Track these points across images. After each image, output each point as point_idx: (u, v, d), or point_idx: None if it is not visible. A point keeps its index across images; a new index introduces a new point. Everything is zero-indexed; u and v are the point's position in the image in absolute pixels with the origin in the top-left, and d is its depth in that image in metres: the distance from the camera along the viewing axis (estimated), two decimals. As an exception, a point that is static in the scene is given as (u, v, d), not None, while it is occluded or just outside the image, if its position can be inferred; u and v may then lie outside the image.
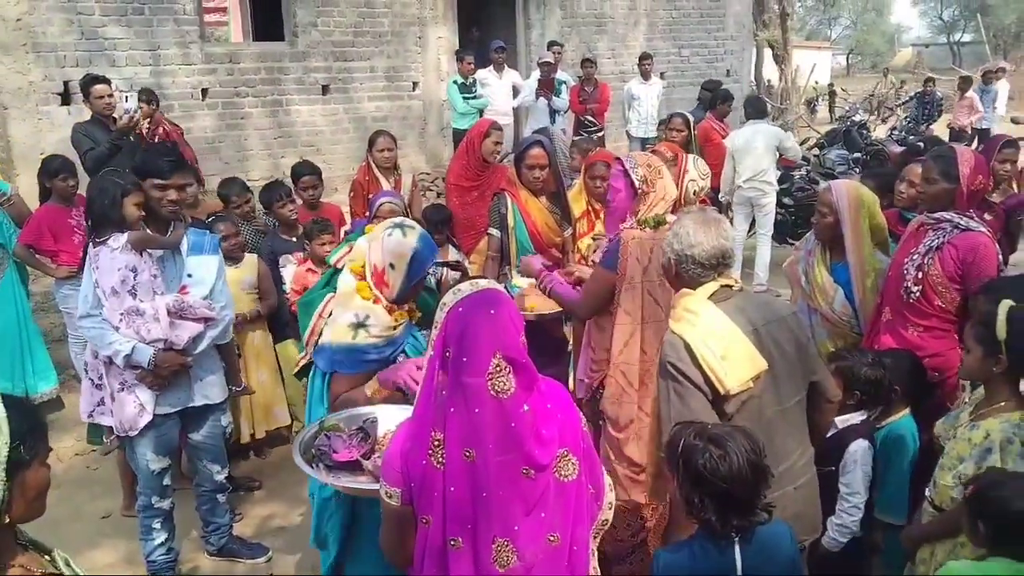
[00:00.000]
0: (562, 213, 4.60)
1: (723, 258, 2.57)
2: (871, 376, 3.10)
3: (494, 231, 4.58)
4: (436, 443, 1.88)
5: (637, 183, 3.29)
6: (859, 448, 3.01)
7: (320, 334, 2.87)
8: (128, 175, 3.39)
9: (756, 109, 7.95)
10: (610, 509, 2.16)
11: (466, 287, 1.97)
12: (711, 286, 2.56)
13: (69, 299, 5.00)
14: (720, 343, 2.43)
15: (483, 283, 2.01)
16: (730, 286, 2.60)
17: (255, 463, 4.95)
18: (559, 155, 5.48)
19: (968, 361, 2.68)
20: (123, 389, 3.37)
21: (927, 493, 2.75)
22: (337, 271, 2.99)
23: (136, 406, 3.37)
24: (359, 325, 2.76)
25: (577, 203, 4.76)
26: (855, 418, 3.10)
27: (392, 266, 2.74)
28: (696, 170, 3.99)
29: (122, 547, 4.08)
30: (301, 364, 3.03)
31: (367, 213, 4.82)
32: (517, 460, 1.87)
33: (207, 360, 3.60)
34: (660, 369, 2.51)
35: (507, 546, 1.89)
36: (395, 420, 2.57)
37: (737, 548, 2.10)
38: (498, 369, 1.84)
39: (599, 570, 2.17)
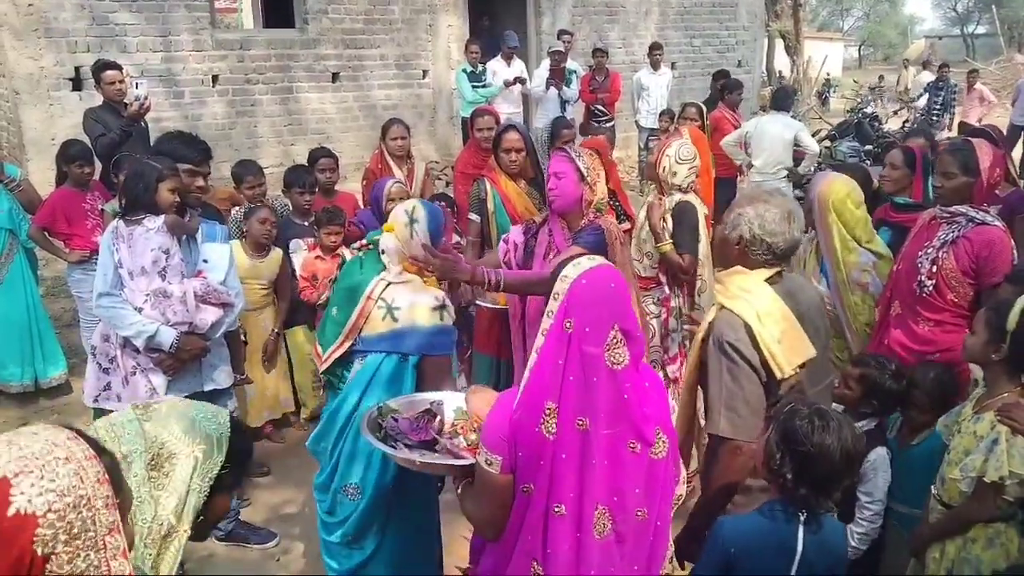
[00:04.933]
0: (541, 197, 4.61)
1: (794, 251, 2.64)
2: (894, 389, 3.08)
3: (473, 216, 4.62)
4: (548, 412, 1.92)
5: (583, 169, 3.33)
6: (879, 456, 2.98)
7: (367, 317, 2.97)
8: (164, 160, 3.42)
9: (777, 100, 7.89)
10: (682, 484, 2.26)
11: (585, 261, 2.02)
12: (767, 271, 2.58)
13: (82, 283, 5.03)
14: (777, 326, 2.47)
15: (598, 259, 2.07)
16: (781, 272, 2.64)
17: (263, 449, 4.96)
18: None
19: (971, 342, 2.70)
20: (136, 372, 3.39)
21: (933, 490, 2.74)
22: (362, 260, 3.14)
23: (148, 390, 3.38)
24: (442, 307, 2.96)
25: None
26: (868, 424, 3.07)
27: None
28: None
29: (131, 531, 4.10)
30: (340, 351, 3.05)
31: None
32: (625, 433, 1.95)
33: (216, 346, 3.62)
34: (715, 346, 2.52)
35: (605, 514, 1.96)
36: (457, 403, 2.68)
37: (801, 529, 2.13)
38: (615, 340, 1.91)
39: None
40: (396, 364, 2.93)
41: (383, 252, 3.06)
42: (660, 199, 4.24)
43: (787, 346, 2.46)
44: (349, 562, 3.02)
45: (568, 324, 1.92)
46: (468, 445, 2.46)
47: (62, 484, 1.18)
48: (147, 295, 3.31)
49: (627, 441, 1.96)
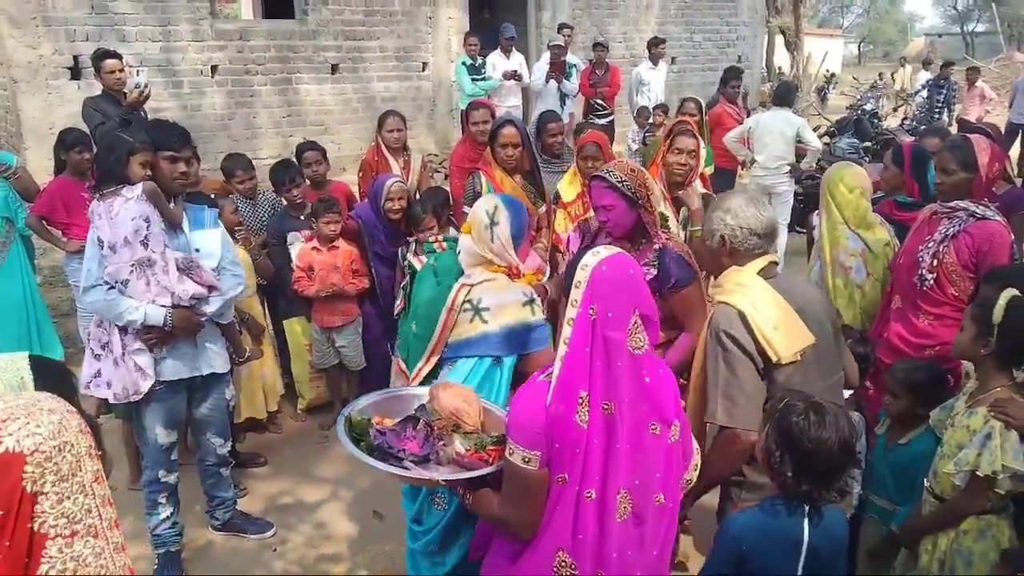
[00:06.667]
0: (536, 191, 4.59)
1: (775, 229, 2.67)
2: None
3: (467, 209, 4.58)
4: (582, 400, 1.96)
5: (631, 193, 3.03)
6: (854, 422, 3.01)
7: (453, 327, 2.85)
8: (138, 134, 3.38)
9: (779, 96, 7.89)
10: (695, 470, 2.28)
11: (603, 250, 2.05)
12: (760, 262, 2.62)
13: (80, 273, 5.00)
14: (772, 314, 2.50)
15: (614, 248, 2.10)
16: (775, 263, 2.68)
17: (260, 440, 4.97)
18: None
19: (960, 338, 2.73)
20: (125, 354, 3.36)
21: (926, 483, 2.76)
22: (435, 268, 3.04)
23: (137, 370, 3.37)
24: (531, 301, 2.86)
25: (572, 186, 4.70)
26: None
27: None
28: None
29: (127, 522, 4.09)
30: (428, 368, 2.92)
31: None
32: (647, 416, 2.00)
33: (211, 331, 3.61)
34: (711, 338, 2.56)
35: (627, 498, 2.00)
36: (423, 401, 2.58)
37: (806, 520, 2.15)
38: (636, 326, 1.97)
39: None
40: (488, 368, 2.83)
41: (459, 252, 2.95)
42: (693, 185, 4.22)
43: (784, 332, 2.49)
44: (432, 572, 2.92)
45: (592, 311, 1.96)
46: (468, 450, 2.38)
47: (47, 430, 1.28)
48: (132, 265, 3.27)
49: (649, 424, 2.00)
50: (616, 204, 3.04)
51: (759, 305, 2.50)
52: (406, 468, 2.34)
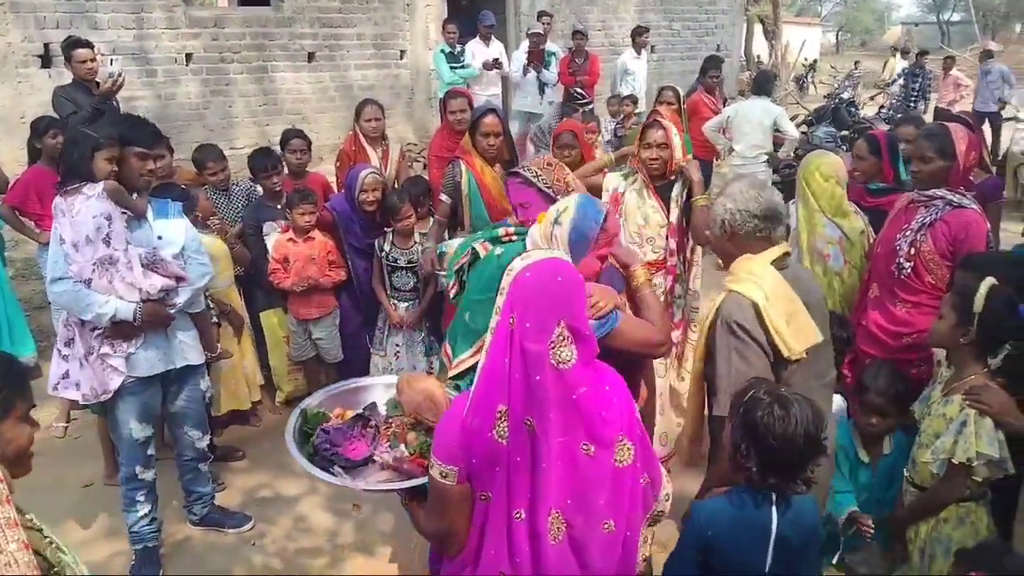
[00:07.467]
0: None
1: (777, 212, 2.61)
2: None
3: (444, 197, 4.58)
4: (500, 415, 1.84)
5: (546, 188, 2.89)
6: (837, 408, 3.05)
7: None
8: (104, 128, 3.33)
9: (758, 84, 7.91)
10: (667, 500, 2.13)
11: (536, 254, 1.95)
12: (774, 252, 2.60)
13: (51, 265, 4.93)
14: (785, 308, 2.48)
15: (552, 252, 1.99)
16: (788, 253, 2.65)
17: (238, 433, 4.92)
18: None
19: (938, 326, 2.74)
20: (92, 353, 3.32)
21: (906, 473, 2.79)
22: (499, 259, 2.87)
23: (107, 371, 3.32)
24: None
25: None
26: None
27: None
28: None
29: (104, 518, 4.05)
30: (471, 361, 2.74)
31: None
32: (577, 435, 1.85)
33: (183, 322, 3.57)
34: (722, 327, 2.51)
35: (559, 518, 1.87)
36: (390, 394, 2.53)
37: (774, 509, 2.14)
38: (561, 338, 1.80)
39: (651, 559, 2.20)
40: None
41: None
42: (691, 159, 4.17)
43: (795, 328, 2.47)
44: None
45: (512, 319, 1.83)
46: (412, 454, 2.32)
47: None
48: (94, 264, 3.22)
49: (580, 443, 1.85)
50: (533, 201, 2.88)
51: (772, 298, 2.48)
52: (334, 475, 2.33)
